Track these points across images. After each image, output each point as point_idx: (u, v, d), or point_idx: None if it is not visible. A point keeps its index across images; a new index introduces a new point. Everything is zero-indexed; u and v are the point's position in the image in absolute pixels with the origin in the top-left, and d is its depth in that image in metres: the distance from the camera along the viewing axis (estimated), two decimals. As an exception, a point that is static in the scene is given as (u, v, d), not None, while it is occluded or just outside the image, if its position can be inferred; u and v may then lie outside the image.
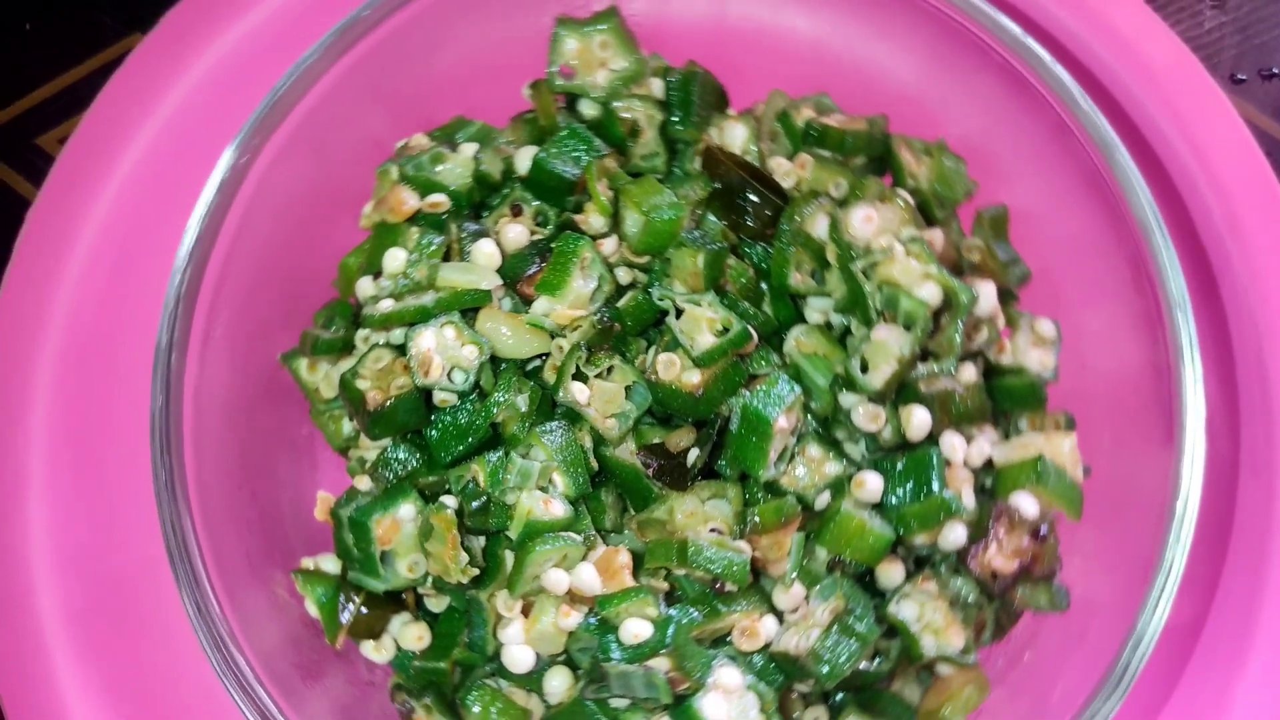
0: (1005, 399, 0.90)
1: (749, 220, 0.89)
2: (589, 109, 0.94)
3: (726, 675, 0.80)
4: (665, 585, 0.83)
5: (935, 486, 0.82)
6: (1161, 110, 1.05)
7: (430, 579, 0.84)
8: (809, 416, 0.86)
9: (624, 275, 0.89)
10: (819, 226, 0.87)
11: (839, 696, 0.87)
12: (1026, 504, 0.82)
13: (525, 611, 0.83)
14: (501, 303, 0.87)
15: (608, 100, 0.93)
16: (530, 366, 0.87)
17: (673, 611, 0.80)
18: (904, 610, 0.83)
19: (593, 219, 0.88)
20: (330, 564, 0.86)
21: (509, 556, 0.82)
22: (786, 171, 0.91)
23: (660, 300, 0.85)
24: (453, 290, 0.85)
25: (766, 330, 0.88)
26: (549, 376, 0.85)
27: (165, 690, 0.94)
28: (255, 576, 0.84)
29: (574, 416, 0.84)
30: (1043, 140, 0.90)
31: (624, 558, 0.82)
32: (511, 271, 0.87)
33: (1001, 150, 0.95)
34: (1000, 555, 0.82)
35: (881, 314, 0.84)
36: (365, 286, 0.89)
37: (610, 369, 0.84)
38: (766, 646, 0.82)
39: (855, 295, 0.85)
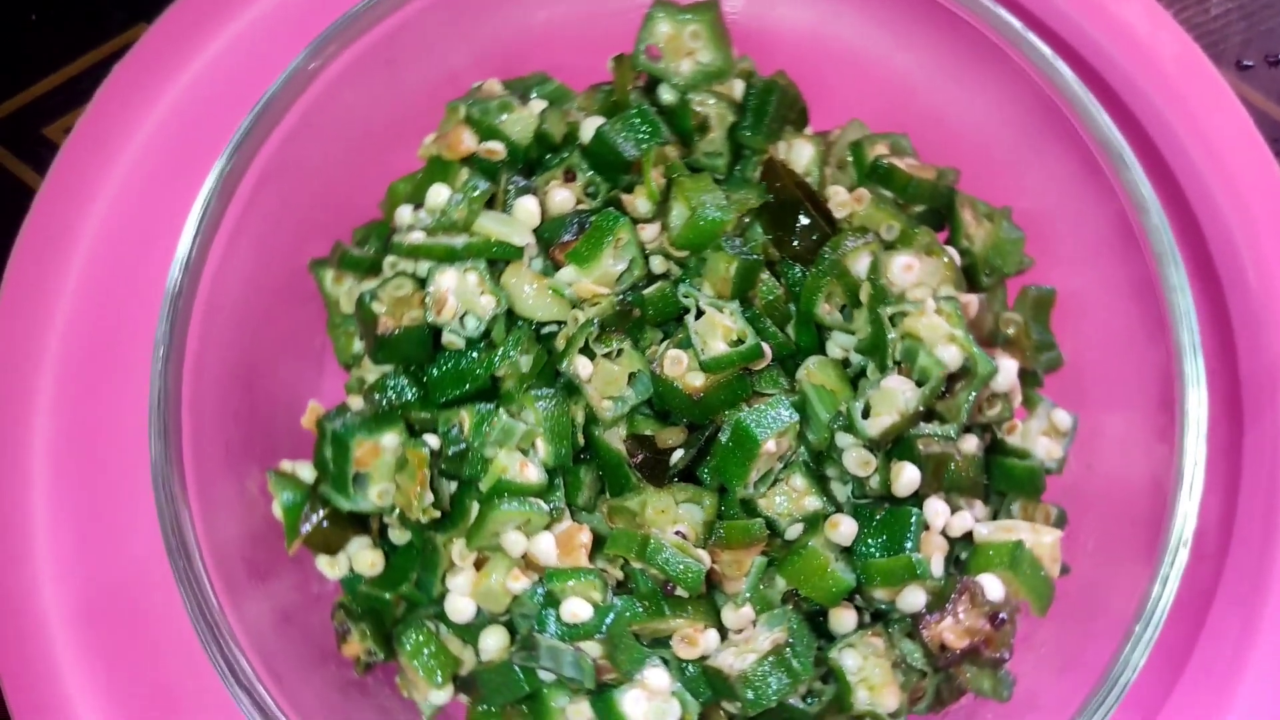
0: (1003, 479, 0.89)
1: (794, 241, 0.88)
2: (666, 94, 0.93)
3: (654, 676, 0.80)
4: (620, 575, 0.83)
5: (907, 546, 0.81)
6: (1170, 105, 1.05)
7: (397, 511, 0.85)
8: (803, 448, 0.86)
9: (658, 265, 0.89)
10: (859, 263, 0.86)
11: (763, 728, 0.87)
12: (993, 587, 0.81)
13: (478, 565, 0.83)
14: (531, 262, 0.87)
15: (685, 90, 0.93)
16: (544, 331, 0.87)
17: (617, 601, 0.80)
18: (846, 659, 0.82)
19: (639, 202, 0.88)
20: (306, 472, 0.87)
21: (475, 508, 0.83)
22: (842, 202, 0.90)
23: (684, 297, 0.85)
24: (485, 238, 0.86)
25: (783, 352, 0.87)
26: (558, 344, 0.85)
27: (169, 687, 0.95)
28: (229, 466, 0.85)
29: (573, 390, 0.85)
30: (1107, 235, 0.88)
31: (585, 537, 0.82)
32: (548, 234, 0.87)
33: (1065, 234, 0.93)
34: (953, 630, 0.81)
35: (898, 364, 0.84)
36: (404, 214, 0.89)
37: (619, 352, 0.84)
38: (703, 659, 0.82)
39: (877, 339, 0.84)
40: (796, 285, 0.88)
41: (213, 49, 1.08)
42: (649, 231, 0.88)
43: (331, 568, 0.88)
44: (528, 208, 0.87)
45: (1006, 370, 0.85)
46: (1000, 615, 0.81)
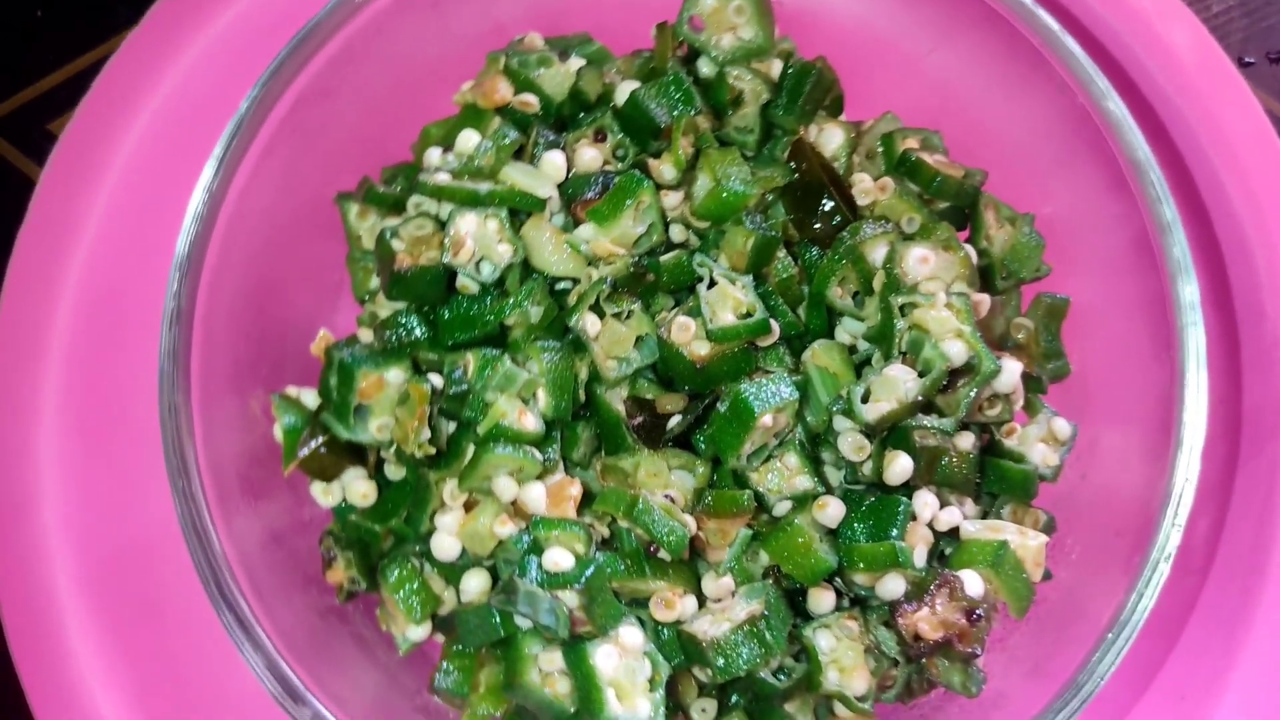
0: (997, 480, 0.89)
1: (815, 223, 0.89)
2: (705, 67, 0.94)
3: (629, 634, 0.81)
4: (605, 532, 0.84)
5: (893, 534, 0.82)
6: (1182, 95, 1.05)
7: (394, 446, 0.86)
8: (801, 428, 0.86)
9: (677, 234, 0.90)
10: (876, 251, 0.87)
11: (734, 698, 0.87)
12: (973, 582, 0.81)
13: (467, 507, 0.84)
14: (553, 217, 0.88)
15: (724, 64, 0.93)
16: (558, 286, 0.88)
17: (600, 556, 0.81)
18: (820, 639, 0.83)
19: (665, 169, 0.89)
20: (310, 399, 0.88)
21: (471, 450, 0.84)
22: (866, 189, 0.91)
23: (699, 266, 0.86)
24: (510, 187, 0.87)
25: (791, 331, 0.88)
26: (570, 300, 0.86)
27: (183, 660, 0.95)
28: (234, 385, 0.86)
29: (580, 347, 0.86)
30: (1127, 250, 0.88)
31: (575, 490, 0.83)
32: (572, 190, 0.88)
33: (1085, 245, 0.93)
34: (929, 621, 0.81)
35: (903, 354, 0.84)
36: (433, 156, 0.90)
37: (629, 314, 0.85)
38: (679, 623, 0.83)
39: (885, 328, 0.85)
40: (812, 267, 0.89)
41: (214, 29, 1.09)
42: (672, 199, 0.89)
43: (325, 495, 0.89)
44: (554, 161, 0.88)
45: (1010, 371, 0.85)
46: (977, 611, 0.81)
